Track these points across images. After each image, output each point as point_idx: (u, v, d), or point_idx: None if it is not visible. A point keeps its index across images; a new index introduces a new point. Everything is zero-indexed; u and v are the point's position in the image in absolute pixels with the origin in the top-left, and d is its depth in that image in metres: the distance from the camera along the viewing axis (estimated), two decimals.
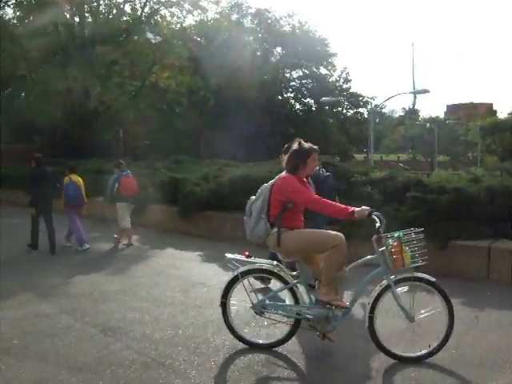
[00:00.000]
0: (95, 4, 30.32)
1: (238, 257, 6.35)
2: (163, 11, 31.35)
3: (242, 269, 6.25)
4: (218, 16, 34.03)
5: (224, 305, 6.34)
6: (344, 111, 54.08)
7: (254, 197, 6.34)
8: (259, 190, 6.30)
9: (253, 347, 6.30)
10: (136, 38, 30.54)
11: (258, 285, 7.73)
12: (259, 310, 6.28)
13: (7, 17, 31.43)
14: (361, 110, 54.01)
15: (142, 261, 11.51)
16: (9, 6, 30.99)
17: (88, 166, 20.74)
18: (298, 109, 51.48)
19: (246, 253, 6.36)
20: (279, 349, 6.24)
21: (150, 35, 32.13)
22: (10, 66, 29.01)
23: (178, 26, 32.03)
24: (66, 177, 13.02)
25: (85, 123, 28.81)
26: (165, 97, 31.89)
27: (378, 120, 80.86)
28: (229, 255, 6.40)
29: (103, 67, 29.44)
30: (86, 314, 7.64)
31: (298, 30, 49.53)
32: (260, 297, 6.34)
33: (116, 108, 29.22)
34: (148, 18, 30.95)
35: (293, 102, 51.61)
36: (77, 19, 30.42)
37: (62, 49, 29.34)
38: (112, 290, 8.97)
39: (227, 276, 6.58)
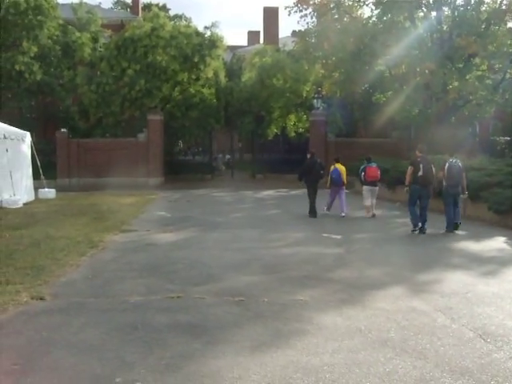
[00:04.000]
0: None
1: None
2: None
3: None
4: None
5: None
6: None
7: None
8: None
9: None
10: (496, 28, 29.05)
11: None
12: None
13: (365, 15, 32.54)
14: None
15: None
16: (367, 5, 32.03)
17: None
18: None
19: None
20: None
21: (511, 25, 30.37)
22: (369, 63, 29.98)
23: None
24: (332, 165, 18.31)
25: (441, 118, 28.38)
26: None
27: None
28: None
29: (461, 60, 28.64)
30: (462, 315, 7.25)
31: None
32: None
33: (475, 102, 28.15)
34: (508, 6, 29.19)
35: None
36: (434, 13, 30.07)
37: (419, 43, 29.30)
38: (487, 292, 8.43)
39: None
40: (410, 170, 14.60)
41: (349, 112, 35.07)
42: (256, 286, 8.68)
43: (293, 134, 39.07)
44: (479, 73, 29.13)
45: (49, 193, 24.47)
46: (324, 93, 34.77)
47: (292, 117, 38.97)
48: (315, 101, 35.21)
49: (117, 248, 12.21)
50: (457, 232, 14.41)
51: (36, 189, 23.93)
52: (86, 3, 40.76)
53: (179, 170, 36.50)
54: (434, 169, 14.50)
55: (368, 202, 17.64)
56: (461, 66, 28.61)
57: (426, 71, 28.08)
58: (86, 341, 6.29)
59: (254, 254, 11.41)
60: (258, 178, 37.10)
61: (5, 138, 20.83)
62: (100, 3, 55.79)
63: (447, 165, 14.43)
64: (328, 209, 18.48)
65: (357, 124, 33.00)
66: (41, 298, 7.93)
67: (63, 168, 33.23)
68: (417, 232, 14.32)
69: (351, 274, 9.67)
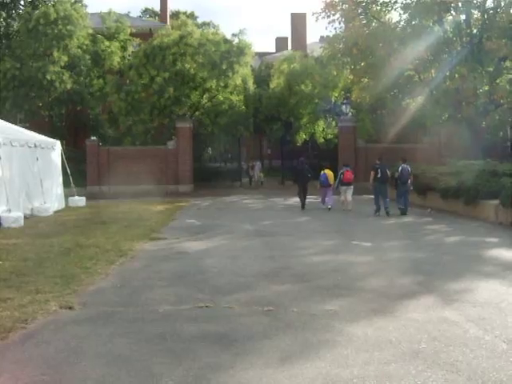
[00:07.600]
0: None
1: None
2: None
3: None
4: None
5: None
6: None
7: None
8: None
9: None
10: None
11: None
12: None
13: (394, 20, 32.23)
14: None
15: None
16: (395, 9, 31.72)
17: (479, 167, 20.18)
18: None
19: None
20: None
21: None
22: (399, 68, 29.71)
23: None
24: (322, 170, 22.83)
25: (472, 123, 28.03)
26: None
27: None
28: None
29: (492, 64, 28.28)
30: (495, 326, 7.06)
31: None
32: None
33: (507, 107, 27.76)
34: None
35: None
36: (463, 16, 29.68)
37: (448, 47, 28.99)
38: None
39: None
40: (372, 173, 20.40)
41: (378, 117, 34.84)
42: (285, 296, 8.61)
43: (322, 141, 39.01)
44: (510, 76, 28.70)
45: (79, 201, 24.69)
46: (353, 98, 34.57)
47: (321, 123, 38.91)
48: (344, 106, 34.97)
49: (146, 256, 12.24)
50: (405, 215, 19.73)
51: (66, 197, 24.18)
52: (114, 12, 41.12)
53: (209, 177, 36.61)
54: (388, 172, 20.26)
55: (343, 197, 22.21)
56: (491, 69, 28.27)
57: (456, 75, 27.80)
58: (114, 351, 6.27)
59: (284, 263, 11.35)
60: (287, 184, 36.97)
61: (35, 146, 21.09)
62: (129, 12, 56.56)
63: (400, 168, 20.07)
64: (323, 203, 22.72)
65: (387, 129, 32.64)
66: (70, 308, 7.96)
67: (93, 176, 33.49)
68: (378, 215, 19.86)
69: (382, 283, 9.54)
